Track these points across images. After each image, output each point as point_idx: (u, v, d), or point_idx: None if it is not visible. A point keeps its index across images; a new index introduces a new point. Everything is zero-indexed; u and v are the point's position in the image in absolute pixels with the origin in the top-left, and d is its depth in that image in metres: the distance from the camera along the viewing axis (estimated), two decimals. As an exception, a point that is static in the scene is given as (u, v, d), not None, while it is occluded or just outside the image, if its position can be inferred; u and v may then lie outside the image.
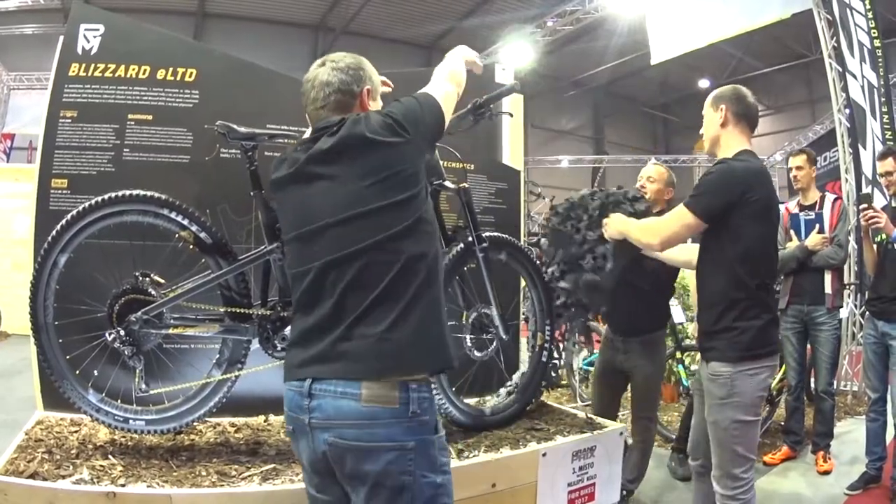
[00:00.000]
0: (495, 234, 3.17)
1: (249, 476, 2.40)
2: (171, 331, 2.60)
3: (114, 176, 2.98)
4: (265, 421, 3.11)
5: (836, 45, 7.71)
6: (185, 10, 18.57)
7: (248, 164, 2.69)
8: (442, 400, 2.92)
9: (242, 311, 2.68)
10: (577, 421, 3.25)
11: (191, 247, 2.66)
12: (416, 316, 1.83)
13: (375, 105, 2.16)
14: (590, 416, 3.32)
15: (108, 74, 3.05)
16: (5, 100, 16.98)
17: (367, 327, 1.80)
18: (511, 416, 3.19)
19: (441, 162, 3.05)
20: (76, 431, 2.77)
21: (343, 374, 1.79)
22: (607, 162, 23.66)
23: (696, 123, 3.20)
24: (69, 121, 3.02)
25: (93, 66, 3.05)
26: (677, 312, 6.14)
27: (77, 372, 2.63)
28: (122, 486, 2.21)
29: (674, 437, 5.14)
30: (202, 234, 2.66)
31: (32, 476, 2.20)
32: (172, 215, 2.62)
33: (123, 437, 2.71)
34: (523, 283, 3.53)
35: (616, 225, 3.12)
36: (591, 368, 6.67)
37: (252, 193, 2.70)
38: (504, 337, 3.09)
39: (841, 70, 7.62)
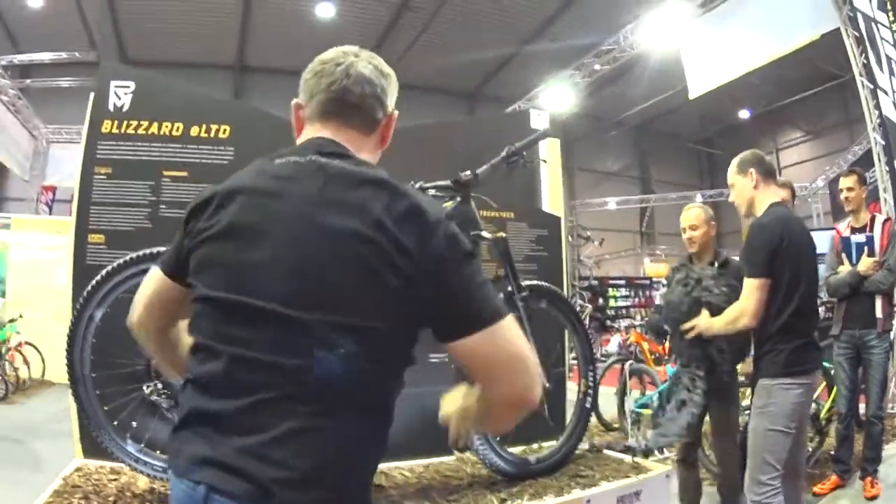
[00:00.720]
0: (535, 282, 3.15)
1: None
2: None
3: (151, 232, 3.00)
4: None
5: (865, 61, 7.64)
6: (224, 64, 18.94)
7: None
8: (486, 450, 2.87)
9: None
10: (623, 466, 3.18)
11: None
12: None
13: (386, 145, 1.65)
14: (636, 459, 3.25)
15: (141, 131, 3.09)
16: (44, 152, 17.41)
17: None
18: (556, 463, 3.12)
19: (477, 212, 3.02)
20: (115, 479, 2.77)
21: None
22: (654, 201, 23.51)
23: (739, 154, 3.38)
24: (104, 177, 3.05)
25: (125, 123, 3.09)
26: None
27: (115, 423, 2.64)
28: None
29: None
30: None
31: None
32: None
33: (163, 485, 2.70)
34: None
35: (705, 330, 3.52)
36: (643, 411, 6.60)
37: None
38: (546, 384, 3.03)
39: (872, 87, 7.53)
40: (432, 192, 3.01)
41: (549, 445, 3.25)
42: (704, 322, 3.52)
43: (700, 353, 3.66)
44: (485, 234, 2.97)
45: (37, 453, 5.27)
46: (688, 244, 4.03)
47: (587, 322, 17.75)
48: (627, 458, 3.31)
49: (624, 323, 13.68)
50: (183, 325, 1.57)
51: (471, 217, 2.94)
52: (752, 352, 3.36)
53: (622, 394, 6.86)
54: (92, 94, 3.14)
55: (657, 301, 4.61)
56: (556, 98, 16.21)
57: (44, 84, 16.79)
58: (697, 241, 4.02)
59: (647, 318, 17.05)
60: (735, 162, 3.39)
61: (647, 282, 22.17)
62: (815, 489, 4.90)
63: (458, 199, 2.94)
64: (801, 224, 3.37)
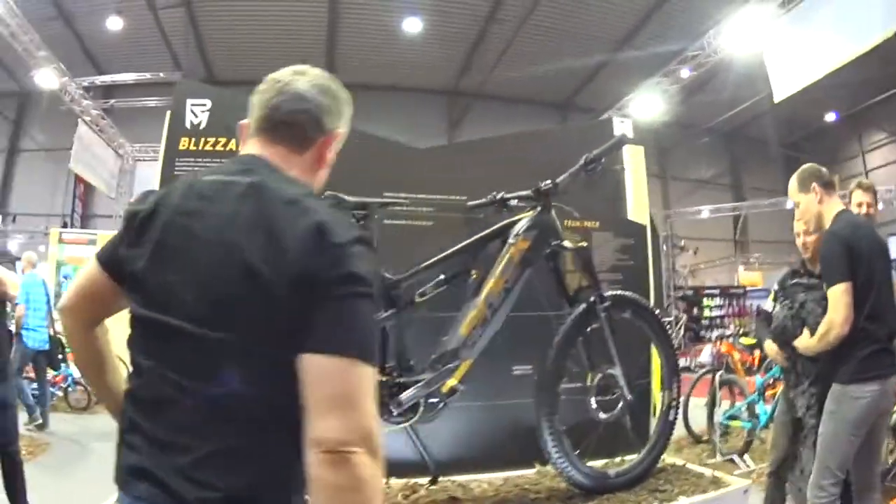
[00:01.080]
0: (619, 292, 3.09)
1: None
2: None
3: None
4: (386, 484, 3.05)
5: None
6: None
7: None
8: (564, 463, 2.82)
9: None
10: (702, 480, 3.08)
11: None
12: None
13: (326, 165, 1.61)
14: (716, 474, 3.14)
15: (218, 148, 3.14)
16: (131, 170, 18.29)
17: None
18: (636, 477, 3.03)
19: (559, 222, 3.00)
20: None
21: None
22: (746, 208, 22.83)
23: (827, 158, 3.59)
24: None
25: (202, 139, 3.15)
26: None
27: None
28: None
29: None
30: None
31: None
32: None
33: None
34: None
35: (803, 350, 3.46)
36: (731, 423, 6.39)
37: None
38: (628, 397, 2.94)
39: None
40: (513, 202, 3.01)
41: (631, 459, 3.14)
42: (803, 343, 3.46)
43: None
44: (566, 244, 2.95)
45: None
46: (802, 250, 3.85)
47: (681, 332, 17.38)
48: (708, 472, 3.19)
49: (715, 333, 13.27)
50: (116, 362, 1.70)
51: (551, 226, 2.95)
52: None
53: (711, 405, 6.65)
54: (168, 113, 3.22)
55: (764, 308, 4.40)
56: (645, 106, 16.07)
57: (128, 104, 17.45)
58: (811, 247, 3.78)
59: (742, 328, 16.46)
60: (795, 180, 3.46)
61: (741, 291, 21.44)
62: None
63: (539, 208, 2.94)
64: (870, 228, 3.43)
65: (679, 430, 6.75)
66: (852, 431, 3.07)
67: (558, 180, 2.91)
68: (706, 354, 13.23)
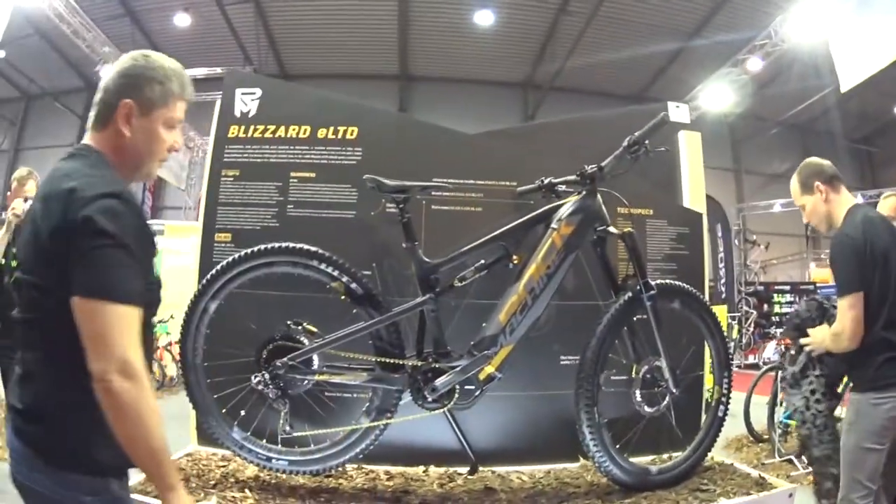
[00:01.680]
0: (666, 281, 3.00)
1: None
2: (317, 377, 2.69)
3: (278, 230, 3.09)
4: (424, 471, 3.07)
5: None
6: (388, 75, 19.22)
7: (400, 217, 2.73)
8: (602, 457, 2.78)
9: (393, 361, 2.70)
10: (747, 481, 2.98)
11: (342, 297, 2.72)
12: None
13: (142, 126, 1.74)
14: (762, 475, 3.04)
15: (268, 135, 3.20)
16: (201, 162, 18.69)
17: None
18: (679, 475, 2.96)
19: (604, 207, 2.93)
20: (223, 466, 2.90)
21: None
22: None
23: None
24: (231, 179, 3.18)
25: (252, 127, 3.21)
26: None
27: (223, 411, 2.75)
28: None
29: None
30: (353, 286, 2.72)
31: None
32: (322, 267, 2.70)
33: (269, 475, 2.80)
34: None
35: (814, 342, 3.21)
36: (791, 422, 6.18)
37: (405, 246, 2.74)
38: (674, 391, 2.88)
39: None
40: (561, 187, 3.00)
41: (677, 456, 3.07)
42: (817, 335, 3.21)
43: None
44: (611, 229, 2.89)
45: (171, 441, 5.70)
46: None
47: (751, 328, 16.89)
48: (755, 473, 3.09)
49: (780, 330, 12.84)
50: None
51: (596, 211, 2.89)
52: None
53: (773, 403, 6.41)
54: (218, 102, 3.28)
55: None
56: (716, 97, 15.77)
57: (199, 98, 17.82)
58: None
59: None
60: (796, 182, 3.18)
61: (812, 287, 20.68)
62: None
63: (584, 192, 2.89)
64: (887, 223, 3.07)
65: (741, 429, 6.61)
66: (875, 441, 2.86)
67: (603, 164, 2.85)
68: (770, 350, 12.82)
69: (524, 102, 20.55)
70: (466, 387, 2.75)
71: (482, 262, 2.81)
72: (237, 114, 3.23)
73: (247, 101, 3.24)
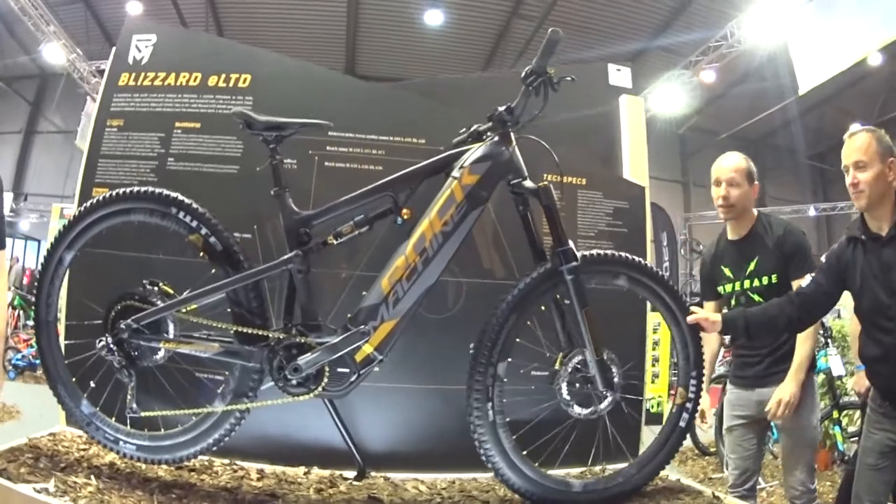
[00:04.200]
0: (604, 251, 2.40)
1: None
2: (163, 345, 2.25)
3: (155, 186, 2.69)
4: (305, 473, 2.57)
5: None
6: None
7: (270, 159, 2.31)
8: (498, 463, 2.24)
9: (251, 331, 2.24)
10: (700, 500, 2.39)
11: (200, 253, 2.30)
12: None
13: None
14: (716, 494, 2.42)
15: (157, 83, 2.88)
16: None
17: None
18: (613, 495, 2.34)
19: (520, 156, 2.37)
20: (84, 450, 2.49)
21: None
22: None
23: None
24: (115, 129, 2.86)
25: (143, 75, 2.90)
26: (836, 364, 5.30)
27: (74, 379, 2.38)
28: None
29: None
30: (212, 239, 2.29)
31: (-1, 474, 2.00)
32: (181, 216, 2.30)
33: (126, 463, 2.37)
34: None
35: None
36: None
37: (273, 192, 2.30)
38: (602, 391, 2.28)
39: None
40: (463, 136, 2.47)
41: (615, 470, 2.47)
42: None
43: None
44: (527, 183, 2.32)
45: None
46: (854, 196, 2.61)
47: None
48: (707, 490, 2.50)
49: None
50: None
51: (508, 159, 2.33)
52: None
53: (720, 415, 5.70)
54: (113, 49, 3.00)
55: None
56: (668, 100, 15.61)
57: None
58: (867, 189, 2.55)
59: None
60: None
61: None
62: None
63: (496, 138, 2.35)
64: None
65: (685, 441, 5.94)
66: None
67: (513, 104, 2.33)
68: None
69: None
70: (339, 369, 2.23)
71: (362, 216, 2.31)
72: (130, 61, 2.93)
73: (141, 47, 2.93)
